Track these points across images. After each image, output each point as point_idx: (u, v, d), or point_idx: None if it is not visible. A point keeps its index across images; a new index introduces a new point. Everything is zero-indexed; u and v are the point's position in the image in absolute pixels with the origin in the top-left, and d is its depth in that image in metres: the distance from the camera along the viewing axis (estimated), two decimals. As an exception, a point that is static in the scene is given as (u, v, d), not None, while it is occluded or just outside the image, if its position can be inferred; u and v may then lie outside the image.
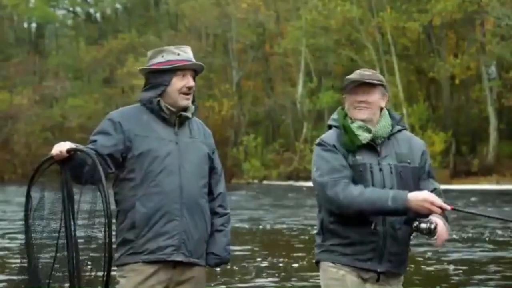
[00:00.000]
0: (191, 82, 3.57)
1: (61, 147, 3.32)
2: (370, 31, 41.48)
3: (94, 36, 55.93)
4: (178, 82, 3.56)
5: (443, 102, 42.29)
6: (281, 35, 46.21)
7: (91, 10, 59.44)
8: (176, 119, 3.58)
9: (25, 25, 60.42)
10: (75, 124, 48.30)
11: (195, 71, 3.66)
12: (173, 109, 3.57)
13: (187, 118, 3.61)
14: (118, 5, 58.22)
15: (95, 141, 3.49)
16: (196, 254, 3.56)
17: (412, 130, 38.30)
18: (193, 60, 3.62)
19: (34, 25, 60.33)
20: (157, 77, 3.58)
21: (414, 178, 3.49)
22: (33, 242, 3.38)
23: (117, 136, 3.50)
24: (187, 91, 3.57)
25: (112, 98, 48.76)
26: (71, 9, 59.86)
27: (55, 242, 3.34)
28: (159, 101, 3.55)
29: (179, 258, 3.50)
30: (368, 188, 3.32)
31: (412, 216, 3.37)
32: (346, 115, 3.49)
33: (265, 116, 49.10)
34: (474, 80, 41.00)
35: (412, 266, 9.43)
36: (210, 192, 3.68)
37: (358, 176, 3.38)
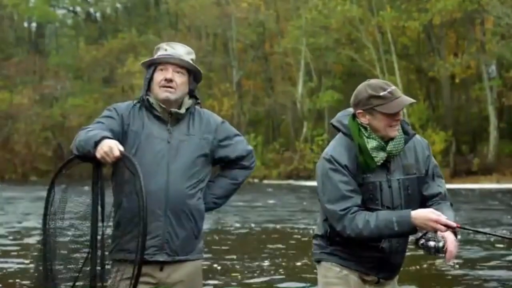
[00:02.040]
0: (169, 74, 3.53)
1: (114, 150, 3.21)
2: (370, 30, 41.48)
3: (94, 36, 55.91)
4: (158, 76, 3.55)
5: (443, 102, 42.29)
6: (281, 34, 46.21)
7: (91, 10, 59.40)
8: (169, 116, 3.56)
9: (25, 24, 60.37)
10: (75, 124, 48.19)
11: (189, 71, 3.61)
12: (164, 106, 3.54)
13: (179, 114, 3.56)
14: (118, 5, 58.20)
15: (102, 122, 3.45)
16: (183, 252, 3.53)
17: (412, 129, 38.26)
18: (180, 56, 3.58)
19: (34, 24, 60.30)
20: (147, 73, 3.61)
21: (420, 188, 3.45)
22: (52, 244, 3.32)
23: (119, 126, 3.50)
24: (164, 84, 3.53)
25: (112, 97, 48.64)
26: (71, 8, 59.83)
27: (80, 246, 3.30)
28: (148, 99, 3.55)
29: (162, 258, 3.47)
30: (372, 216, 3.25)
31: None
32: (359, 129, 3.34)
33: (265, 116, 49.11)
34: (474, 79, 41.00)
35: (410, 266, 9.44)
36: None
37: (368, 195, 3.33)
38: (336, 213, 3.28)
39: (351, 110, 3.44)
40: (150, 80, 3.58)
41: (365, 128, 3.34)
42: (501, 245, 11.92)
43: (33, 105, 50.51)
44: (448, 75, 39.95)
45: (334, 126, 3.48)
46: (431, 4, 37.14)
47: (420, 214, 3.22)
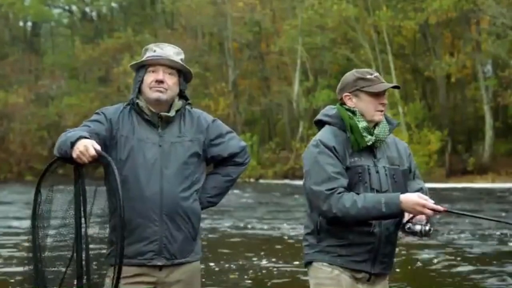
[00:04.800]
0: (159, 76, 3.51)
1: (89, 150, 3.20)
2: (366, 30, 41.51)
3: (89, 35, 55.83)
4: (148, 78, 3.53)
5: (439, 101, 42.34)
6: (277, 33, 46.20)
7: (87, 9, 59.33)
8: (159, 120, 3.53)
9: (21, 23, 60.26)
10: (71, 123, 48.12)
11: (178, 70, 3.58)
12: (153, 110, 3.52)
13: (169, 117, 3.54)
14: (114, 4, 58.15)
15: (88, 126, 3.43)
16: (181, 255, 3.53)
17: (408, 129, 38.40)
18: (170, 57, 3.55)
19: (29, 23, 60.22)
20: (136, 75, 3.59)
21: (404, 180, 3.52)
22: (40, 243, 3.33)
23: (106, 130, 3.47)
24: (155, 85, 3.50)
25: (108, 97, 48.65)
26: (66, 7, 59.73)
27: (67, 245, 3.29)
28: (138, 102, 3.53)
29: (160, 262, 3.47)
30: (359, 197, 3.29)
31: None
32: (348, 114, 3.45)
33: (261, 115, 49.11)
34: (470, 78, 41.07)
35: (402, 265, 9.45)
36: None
37: (356, 178, 3.37)
38: (322, 193, 3.30)
39: (332, 106, 3.59)
40: (141, 83, 3.55)
41: (353, 112, 3.45)
42: (490, 241, 11.95)
43: (28, 104, 50.42)
44: (444, 74, 40.00)
45: (318, 121, 3.60)
46: (427, 4, 37.18)
47: (408, 198, 3.27)
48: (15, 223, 16.49)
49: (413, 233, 3.31)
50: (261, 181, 41.84)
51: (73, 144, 3.21)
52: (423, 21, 38.77)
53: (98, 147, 3.24)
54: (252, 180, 41.52)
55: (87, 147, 3.19)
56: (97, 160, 3.23)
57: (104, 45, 51.47)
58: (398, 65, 41.83)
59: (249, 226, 15.80)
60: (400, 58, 43.18)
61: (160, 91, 3.52)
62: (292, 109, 45.42)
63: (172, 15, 53.08)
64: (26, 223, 12.95)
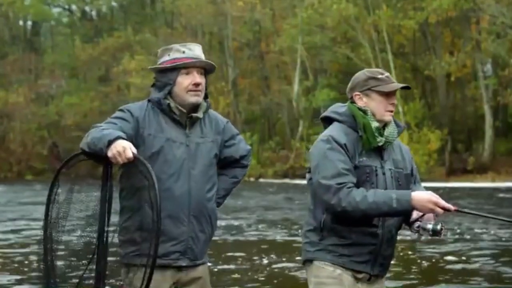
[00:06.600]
0: (197, 79, 3.50)
1: (126, 151, 3.15)
2: (366, 29, 41.52)
3: (89, 34, 55.84)
4: (184, 81, 3.50)
5: (439, 100, 42.36)
6: (277, 33, 46.21)
7: (87, 8, 59.35)
8: (187, 120, 3.53)
9: (21, 22, 60.27)
10: (71, 122, 48.24)
11: (205, 69, 3.58)
12: (183, 110, 3.50)
13: (198, 118, 3.54)
14: (114, 3, 58.15)
15: (114, 123, 3.37)
16: (200, 256, 3.56)
17: (408, 128, 38.41)
18: (200, 57, 3.55)
19: (29, 22, 60.23)
20: (163, 76, 3.53)
21: (407, 184, 3.53)
22: (54, 243, 3.29)
23: (132, 129, 3.43)
24: (194, 88, 3.49)
25: (107, 96, 48.72)
26: (66, 6, 59.73)
27: (87, 246, 3.27)
28: (168, 103, 3.49)
29: (184, 263, 3.48)
30: (369, 192, 3.28)
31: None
32: (363, 113, 3.44)
33: (261, 114, 49.12)
34: (469, 78, 41.08)
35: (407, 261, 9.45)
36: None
37: (364, 178, 3.36)
38: (332, 187, 3.28)
39: (340, 104, 3.56)
40: (173, 85, 3.50)
41: (365, 112, 3.45)
42: (491, 239, 11.95)
43: (28, 103, 50.46)
44: (444, 73, 40.02)
45: (327, 118, 3.53)
46: (427, 3, 37.20)
47: (420, 195, 3.26)
48: (18, 221, 16.51)
49: (423, 231, 3.29)
50: (261, 180, 41.85)
51: (110, 142, 3.16)
52: (423, 20, 38.78)
53: (135, 151, 3.20)
54: (252, 179, 41.53)
55: (125, 148, 3.14)
56: (132, 162, 3.18)
57: (104, 44, 51.48)
58: (398, 64, 41.85)
59: (248, 226, 15.80)
60: (400, 57, 43.20)
61: (198, 95, 3.52)
62: (292, 108, 45.43)
63: (172, 14, 53.09)
64: (23, 223, 12.90)
